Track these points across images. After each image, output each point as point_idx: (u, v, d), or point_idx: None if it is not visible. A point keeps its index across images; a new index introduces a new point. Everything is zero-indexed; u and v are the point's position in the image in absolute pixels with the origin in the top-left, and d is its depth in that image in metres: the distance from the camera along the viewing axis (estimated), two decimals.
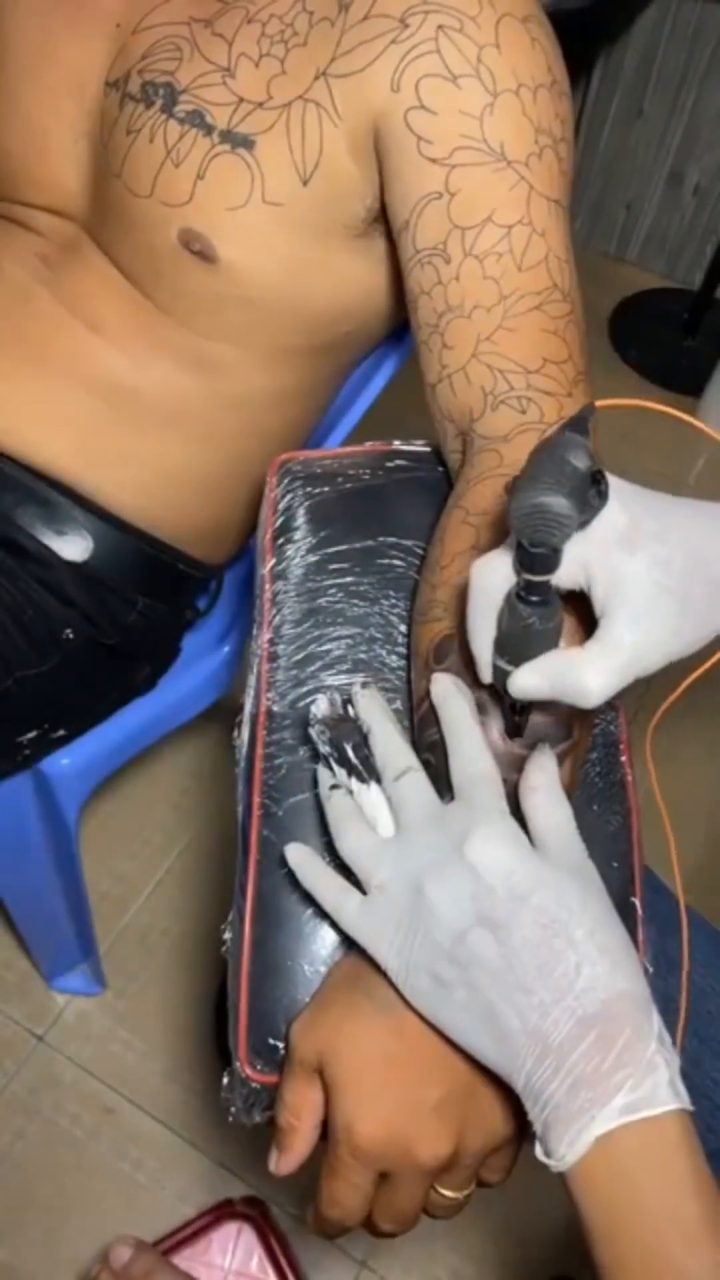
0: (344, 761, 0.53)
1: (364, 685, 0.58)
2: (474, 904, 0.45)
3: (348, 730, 0.54)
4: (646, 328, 2.19)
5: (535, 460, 0.43)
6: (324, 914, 0.53)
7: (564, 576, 0.47)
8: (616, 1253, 0.42)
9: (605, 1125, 0.42)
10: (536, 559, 0.44)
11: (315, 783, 0.56)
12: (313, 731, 0.55)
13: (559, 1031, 0.43)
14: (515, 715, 0.51)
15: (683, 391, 2.06)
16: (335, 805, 0.53)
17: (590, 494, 0.44)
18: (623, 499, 0.47)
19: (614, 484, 0.46)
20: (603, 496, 0.45)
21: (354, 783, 0.53)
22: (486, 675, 0.50)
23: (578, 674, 0.46)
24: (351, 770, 0.53)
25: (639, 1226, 0.42)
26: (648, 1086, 0.42)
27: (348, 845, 0.51)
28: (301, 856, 0.54)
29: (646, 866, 0.61)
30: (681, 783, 1.39)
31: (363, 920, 0.49)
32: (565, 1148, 0.42)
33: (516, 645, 0.47)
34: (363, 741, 0.53)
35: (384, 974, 0.48)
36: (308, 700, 0.60)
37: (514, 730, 0.52)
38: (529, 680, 0.47)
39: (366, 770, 0.52)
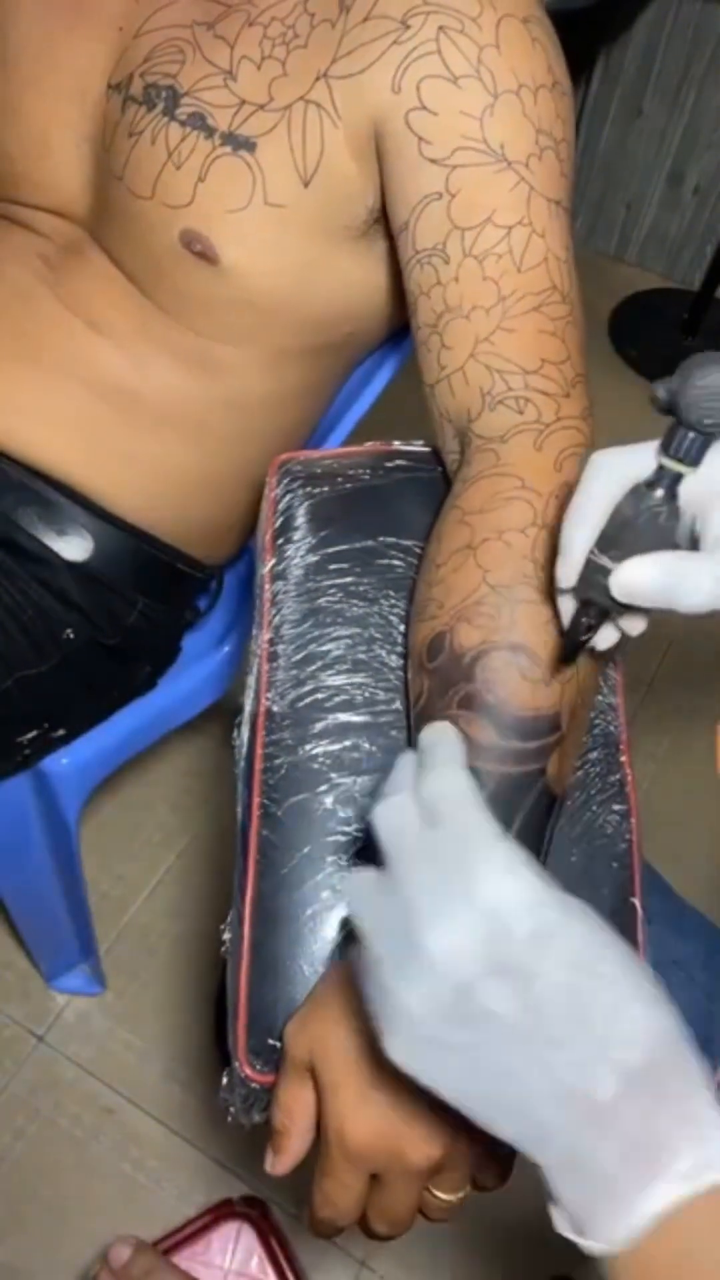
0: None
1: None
2: (482, 947, 0.38)
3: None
4: (646, 328, 2.19)
5: (698, 359, 0.42)
6: (323, 914, 0.53)
7: (684, 497, 0.45)
8: None
9: (670, 1196, 0.35)
10: (695, 444, 0.43)
11: (326, 781, 0.55)
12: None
13: (604, 1090, 0.37)
14: (584, 633, 0.49)
15: None
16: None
17: None
18: None
19: None
20: None
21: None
22: (574, 572, 0.48)
23: (697, 571, 0.44)
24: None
25: None
26: (714, 1146, 0.36)
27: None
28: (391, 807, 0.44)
29: (647, 865, 0.61)
30: (684, 786, 1.39)
31: (365, 893, 0.42)
32: (621, 1228, 0.35)
33: (634, 537, 0.45)
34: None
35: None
36: (307, 700, 0.60)
37: (570, 653, 0.50)
38: (642, 572, 0.44)
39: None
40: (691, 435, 0.43)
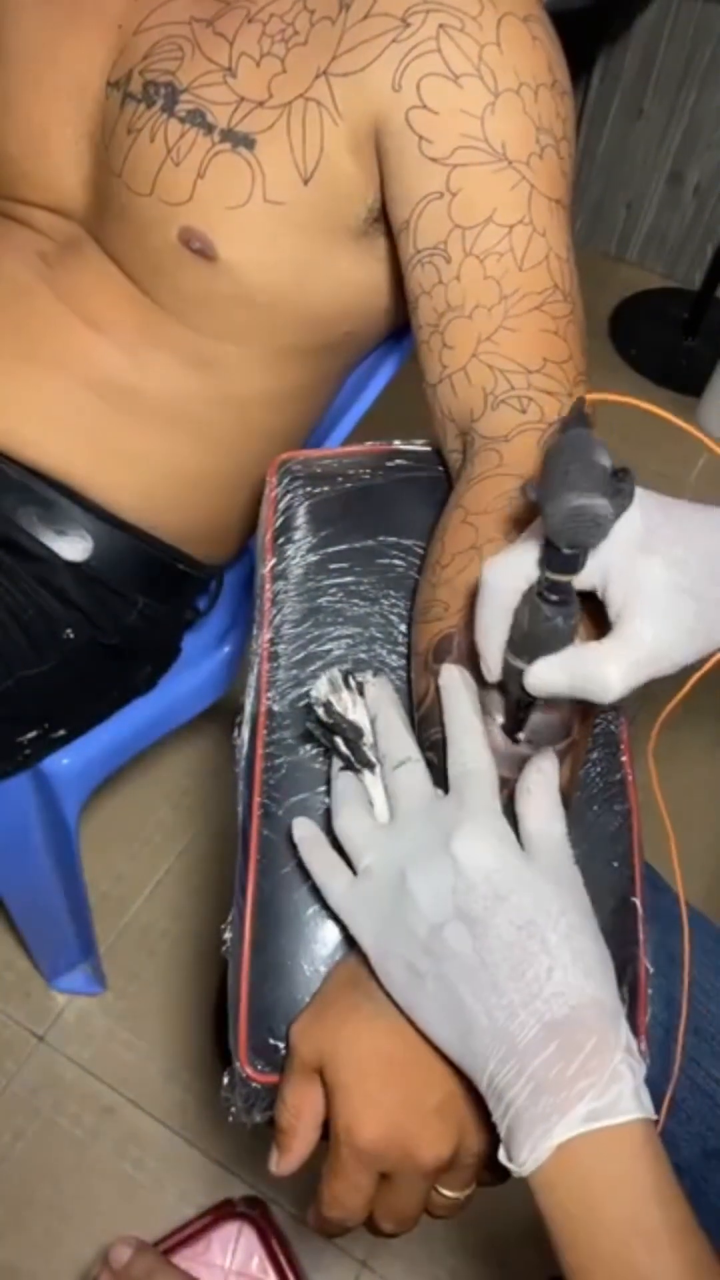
0: (350, 746, 0.54)
1: (375, 673, 0.58)
2: (453, 898, 0.46)
3: (346, 720, 0.54)
4: (646, 328, 2.19)
5: (560, 462, 0.42)
6: (325, 912, 0.53)
7: (581, 577, 0.47)
8: (580, 1260, 0.42)
9: (566, 1133, 0.41)
10: (568, 560, 0.44)
11: (327, 780, 0.56)
12: (312, 714, 0.55)
13: (525, 1034, 0.43)
14: (518, 713, 0.51)
15: (682, 391, 2.06)
16: (339, 785, 0.54)
17: (616, 493, 0.44)
18: (640, 501, 0.47)
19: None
20: (626, 494, 0.44)
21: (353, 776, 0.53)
22: (495, 673, 0.50)
23: (598, 668, 0.46)
24: (358, 756, 0.53)
25: (601, 1235, 0.41)
26: (611, 1095, 0.42)
27: (341, 825, 0.52)
28: (306, 831, 0.55)
29: (649, 864, 0.61)
30: (684, 786, 1.39)
31: (347, 900, 0.50)
32: (526, 1154, 0.42)
33: (535, 643, 0.47)
34: (356, 735, 0.54)
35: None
36: (308, 694, 0.60)
37: (514, 728, 0.52)
38: (549, 675, 0.47)
39: (357, 760, 0.53)
40: (565, 551, 0.43)
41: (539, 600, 0.46)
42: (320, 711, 0.54)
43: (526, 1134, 0.42)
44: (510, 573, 0.48)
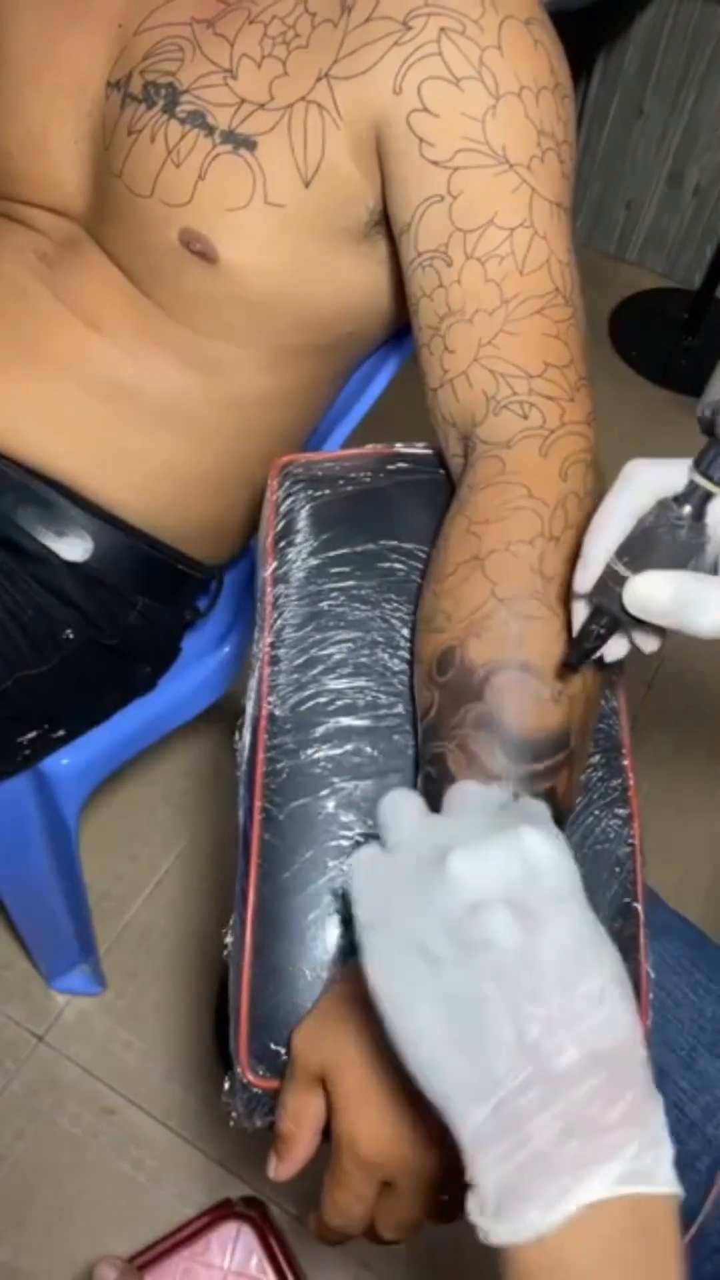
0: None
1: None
2: (506, 882, 0.39)
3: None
4: (646, 328, 2.18)
5: None
6: (325, 919, 0.53)
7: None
8: None
9: (602, 1191, 0.33)
10: None
11: (328, 785, 0.55)
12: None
13: (561, 1058, 0.36)
14: (593, 642, 0.49)
15: (682, 391, 2.06)
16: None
17: None
18: None
19: None
20: None
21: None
22: (589, 580, 0.47)
23: (708, 596, 0.43)
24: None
25: None
26: (651, 1159, 0.34)
27: (386, 801, 0.46)
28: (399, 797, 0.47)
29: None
30: (683, 824, 1.38)
31: (366, 863, 0.43)
32: (539, 1210, 0.34)
33: (651, 551, 0.45)
34: None
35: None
36: (309, 704, 0.60)
37: (578, 660, 0.50)
38: (655, 587, 0.44)
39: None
40: None
41: (675, 505, 0.44)
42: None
43: (545, 1182, 0.34)
44: (656, 474, 0.46)
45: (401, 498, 0.67)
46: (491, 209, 0.62)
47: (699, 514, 0.44)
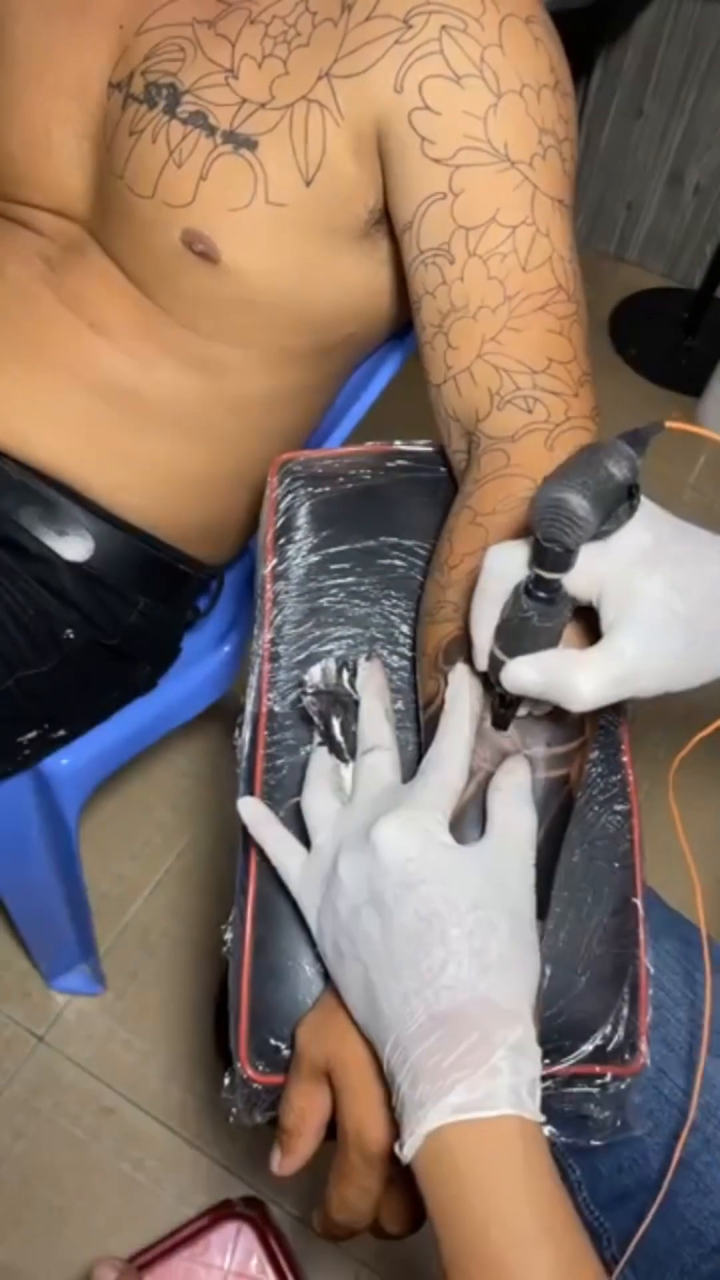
0: (327, 736, 0.55)
1: (369, 657, 0.58)
2: (369, 882, 0.47)
3: (337, 705, 0.55)
4: (646, 327, 2.19)
5: (573, 458, 0.43)
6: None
7: (579, 587, 0.47)
8: (451, 1252, 0.42)
9: (436, 1121, 0.42)
10: (548, 554, 0.44)
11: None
12: (304, 699, 0.56)
13: (412, 1023, 0.44)
14: (503, 708, 0.51)
15: (682, 391, 2.06)
16: (313, 762, 0.55)
17: (620, 507, 0.44)
18: (652, 520, 0.46)
19: (646, 506, 0.46)
20: (631, 511, 0.44)
21: (333, 759, 0.55)
22: (482, 661, 0.50)
23: (571, 674, 0.46)
24: (333, 746, 0.54)
25: (468, 1227, 0.42)
26: (484, 1090, 0.42)
27: (306, 801, 0.54)
28: (253, 811, 0.55)
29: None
30: (684, 824, 1.37)
31: (298, 877, 0.52)
32: (406, 1139, 0.43)
33: (514, 637, 0.47)
34: (351, 719, 0.54)
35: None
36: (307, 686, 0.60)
37: (500, 723, 0.52)
38: (523, 673, 0.47)
39: (348, 748, 0.54)
40: (543, 543, 0.44)
41: (525, 594, 0.46)
42: (309, 695, 0.55)
43: (406, 1119, 0.43)
44: (509, 561, 0.48)
45: (401, 495, 0.67)
46: (493, 206, 0.62)
47: (550, 599, 0.46)
